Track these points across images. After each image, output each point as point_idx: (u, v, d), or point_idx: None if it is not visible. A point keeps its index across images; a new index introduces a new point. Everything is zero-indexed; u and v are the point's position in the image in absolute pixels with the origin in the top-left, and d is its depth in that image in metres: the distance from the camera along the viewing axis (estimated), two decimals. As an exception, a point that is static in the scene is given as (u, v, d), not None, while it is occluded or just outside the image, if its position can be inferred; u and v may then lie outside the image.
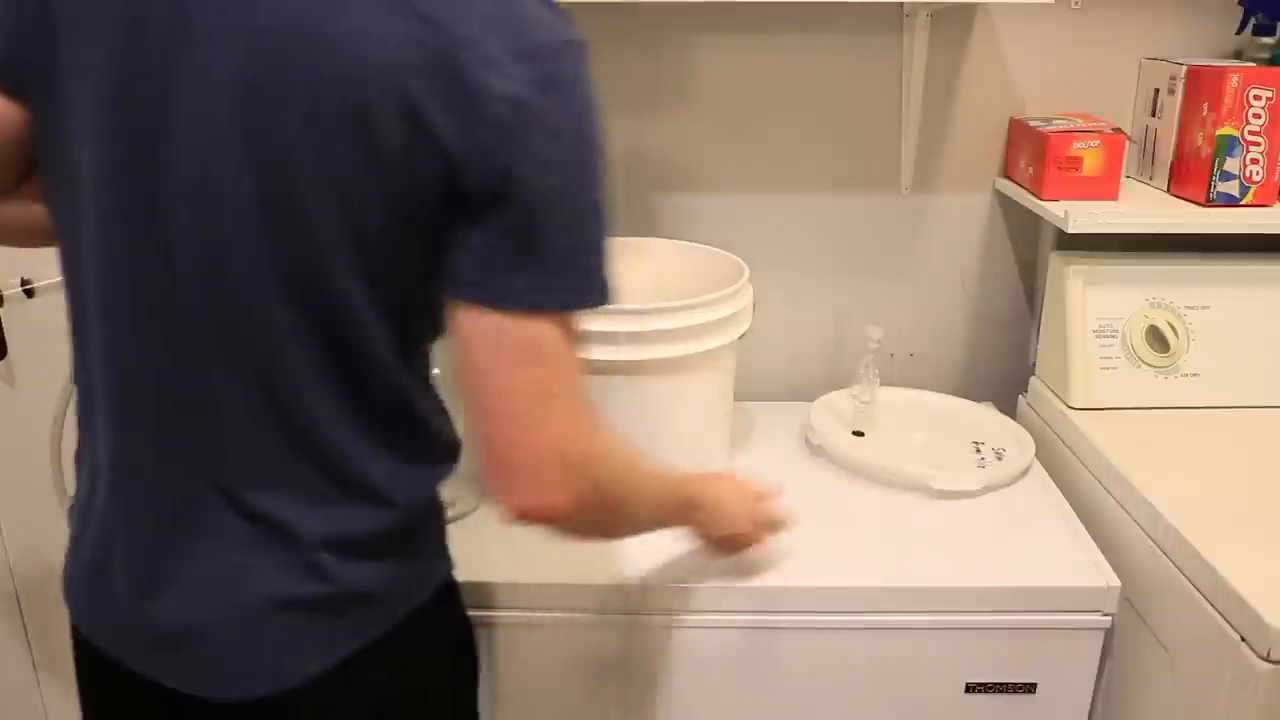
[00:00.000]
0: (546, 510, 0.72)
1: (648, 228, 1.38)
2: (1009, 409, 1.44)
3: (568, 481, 0.71)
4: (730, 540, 1.02)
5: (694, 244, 1.29)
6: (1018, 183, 1.36)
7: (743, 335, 1.14)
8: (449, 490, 0.83)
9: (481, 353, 0.69)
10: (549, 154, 0.66)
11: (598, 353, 1.06)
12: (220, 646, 0.75)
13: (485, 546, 1.11)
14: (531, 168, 0.65)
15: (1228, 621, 0.93)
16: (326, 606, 0.74)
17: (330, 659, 0.75)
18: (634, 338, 1.06)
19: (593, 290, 0.70)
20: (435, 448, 0.81)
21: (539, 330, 0.68)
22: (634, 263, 1.28)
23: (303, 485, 0.73)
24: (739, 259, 1.21)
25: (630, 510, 0.84)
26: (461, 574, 1.05)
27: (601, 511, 0.78)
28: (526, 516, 0.72)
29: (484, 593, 1.05)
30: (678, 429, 1.14)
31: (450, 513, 1.15)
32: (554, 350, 0.69)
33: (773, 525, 1.03)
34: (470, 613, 1.04)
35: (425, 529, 0.83)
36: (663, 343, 1.06)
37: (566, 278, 0.69)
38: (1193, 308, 1.30)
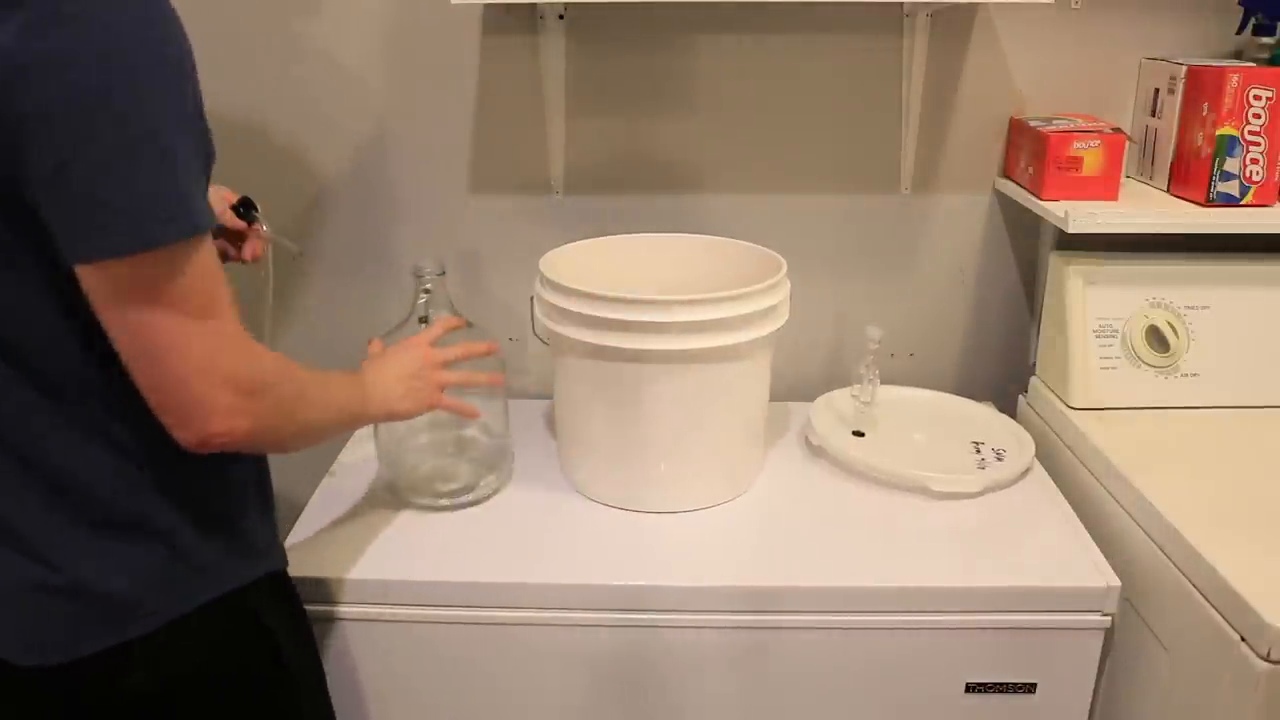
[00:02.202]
0: (226, 435, 0.75)
1: (647, 228, 1.38)
2: (1009, 409, 1.44)
3: (243, 405, 0.74)
4: (425, 385, 1.03)
5: (725, 239, 1.30)
6: (1018, 183, 1.36)
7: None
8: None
9: (99, 305, 0.70)
10: (56, 96, 0.64)
11: (637, 342, 1.07)
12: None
13: (492, 547, 1.11)
14: (39, 116, 0.65)
15: (1228, 621, 0.93)
16: (66, 595, 0.78)
17: (82, 648, 0.79)
18: (685, 327, 1.07)
19: (164, 223, 0.69)
20: (140, 441, 0.79)
21: (131, 272, 0.69)
22: (661, 257, 1.31)
23: (15, 479, 0.77)
24: (776, 253, 1.22)
25: (307, 415, 0.85)
26: (466, 574, 1.06)
27: (282, 422, 0.81)
28: (207, 444, 0.75)
29: (488, 593, 1.05)
30: (718, 421, 1.16)
31: (469, 496, 1.18)
32: (160, 286, 0.69)
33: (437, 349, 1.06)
34: (475, 612, 1.04)
35: (180, 534, 0.82)
36: (707, 333, 1.08)
37: (128, 217, 0.67)
38: (1193, 308, 1.30)
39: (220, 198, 1.05)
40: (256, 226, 1.07)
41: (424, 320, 1.14)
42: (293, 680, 0.92)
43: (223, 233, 1.06)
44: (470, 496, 1.18)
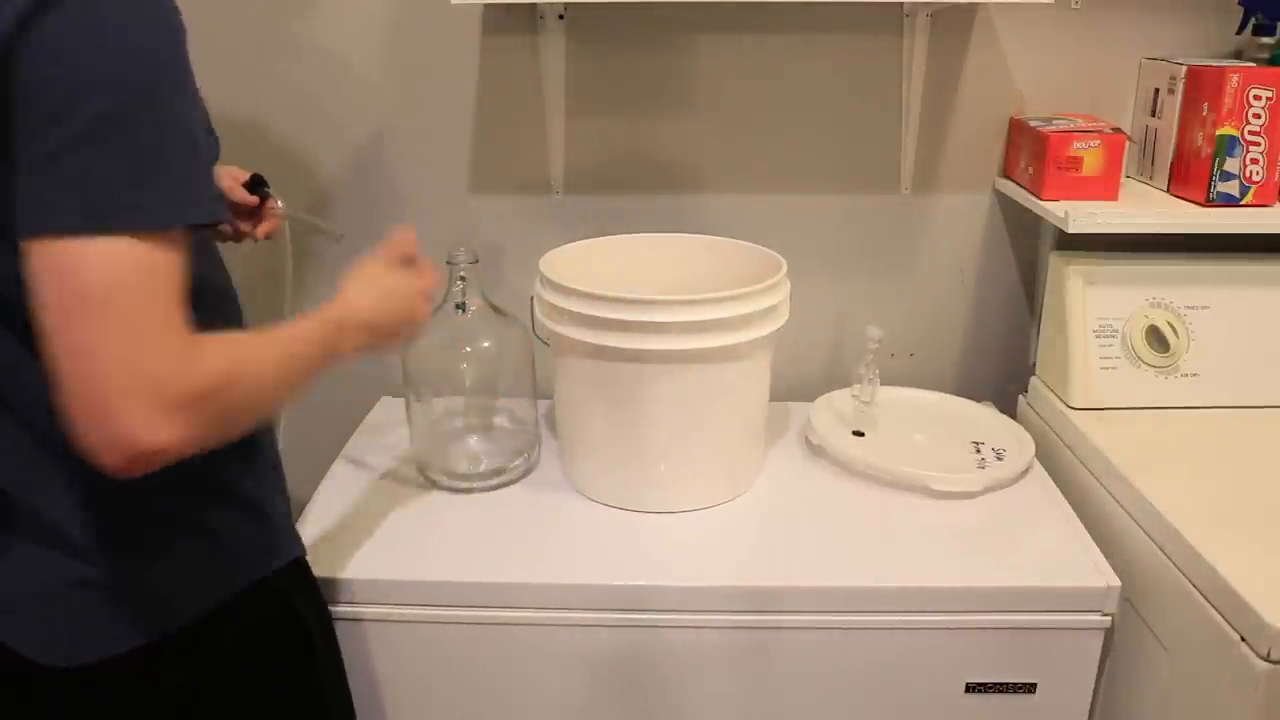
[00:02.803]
0: (161, 450, 0.64)
1: (647, 228, 1.38)
2: (1009, 409, 1.44)
3: (175, 420, 0.63)
4: (407, 301, 0.94)
5: (725, 239, 1.31)
6: (1018, 183, 1.36)
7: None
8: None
9: (39, 291, 0.63)
10: (67, 69, 0.63)
11: (637, 342, 1.08)
12: (30, 616, 0.79)
13: (492, 547, 1.11)
14: (48, 85, 0.62)
15: (1228, 621, 0.93)
16: (106, 591, 0.77)
17: (118, 645, 0.78)
18: (685, 327, 1.07)
19: (185, 205, 0.65)
20: None
21: (77, 253, 0.62)
22: (661, 257, 1.31)
23: (53, 475, 0.75)
24: (776, 253, 1.22)
25: (265, 399, 0.75)
26: (466, 573, 1.06)
27: (231, 421, 0.71)
28: (135, 463, 0.64)
29: (488, 593, 1.05)
30: (718, 421, 1.16)
31: (499, 479, 1.21)
32: (109, 275, 0.62)
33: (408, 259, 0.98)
34: (475, 612, 1.04)
35: (217, 524, 0.82)
36: (707, 333, 1.08)
37: (108, 191, 0.62)
38: (1193, 308, 1.30)
39: (230, 175, 1.05)
40: (270, 203, 1.06)
41: (460, 306, 1.18)
42: (317, 667, 0.93)
43: (235, 210, 1.05)
44: (500, 479, 1.22)
